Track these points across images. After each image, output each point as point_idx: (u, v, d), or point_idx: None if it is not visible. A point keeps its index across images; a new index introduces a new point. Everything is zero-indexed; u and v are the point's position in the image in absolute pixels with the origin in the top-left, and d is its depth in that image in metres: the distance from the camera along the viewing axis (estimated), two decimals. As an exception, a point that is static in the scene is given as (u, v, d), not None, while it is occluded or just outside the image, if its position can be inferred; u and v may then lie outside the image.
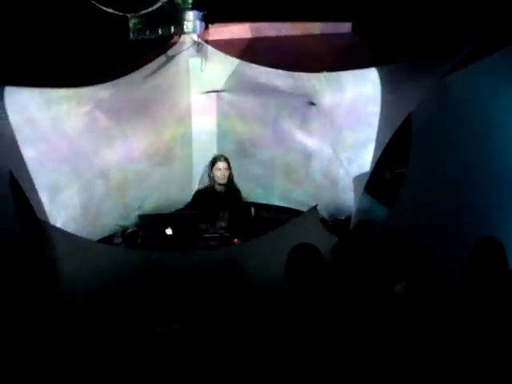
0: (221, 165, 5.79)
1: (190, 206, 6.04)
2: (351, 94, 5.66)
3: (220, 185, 5.83)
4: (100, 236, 5.71)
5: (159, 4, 3.55)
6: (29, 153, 4.95)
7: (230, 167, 5.84)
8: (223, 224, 5.71)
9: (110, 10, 3.52)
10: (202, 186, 6.11)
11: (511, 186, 4.67)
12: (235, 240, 5.18)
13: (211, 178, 5.88)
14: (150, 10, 3.55)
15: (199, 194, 5.99)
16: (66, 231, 4.74)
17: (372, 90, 5.42)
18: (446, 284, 3.11)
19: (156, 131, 6.14)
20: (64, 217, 5.39)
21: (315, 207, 4.68)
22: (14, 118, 4.74)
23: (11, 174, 4.63)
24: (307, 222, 4.70)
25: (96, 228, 5.75)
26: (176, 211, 6.20)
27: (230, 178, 5.86)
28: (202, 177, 6.39)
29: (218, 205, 5.80)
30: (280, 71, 5.44)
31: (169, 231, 5.03)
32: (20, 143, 4.82)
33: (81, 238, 4.82)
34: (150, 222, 5.28)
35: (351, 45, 4.92)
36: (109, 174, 5.96)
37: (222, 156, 5.89)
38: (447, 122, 4.92)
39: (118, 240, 5.50)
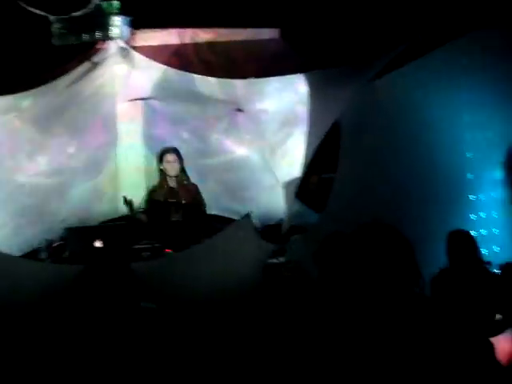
0: (170, 157, 5.52)
1: (144, 207, 5.73)
2: (278, 99, 5.71)
3: (171, 177, 5.57)
4: (24, 251, 5.44)
5: (86, 9, 3.38)
6: None
7: (180, 159, 5.58)
8: (178, 218, 5.50)
9: (32, 9, 3.33)
10: (153, 184, 5.78)
11: (443, 184, 4.81)
12: (167, 250, 5.06)
13: (161, 173, 5.61)
14: (75, 14, 3.38)
15: (151, 192, 5.70)
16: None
17: (299, 95, 5.51)
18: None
19: (79, 140, 5.94)
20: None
21: (248, 215, 4.64)
22: None
23: None
24: (242, 229, 4.67)
25: (19, 242, 5.50)
26: (103, 222, 6.00)
27: (182, 171, 5.62)
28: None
29: (172, 199, 5.57)
30: (207, 78, 5.42)
31: (98, 244, 4.86)
32: None
33: (1, 253, 4.58)
34: (78, 234, 5.07)
35: (279, 51, 4.93)
36: (30, 186, 5.72)
37: (171, 148, 5.60)
38: (375, 126, 5.04)
39: (44, 255, 5.25)
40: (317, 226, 5.45)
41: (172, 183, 5.61)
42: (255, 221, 5.62)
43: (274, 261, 5.05)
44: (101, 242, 4.84)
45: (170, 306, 4.05)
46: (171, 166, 5.54)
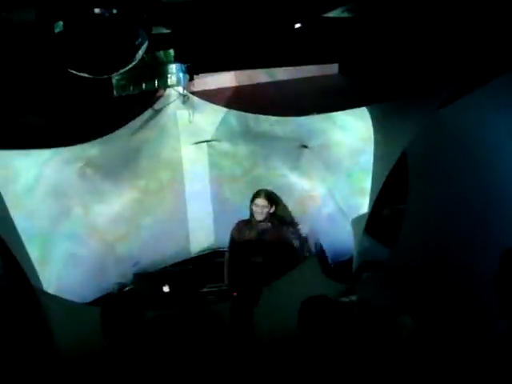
0: (259, 201, 5.39)
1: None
2: (343, 134, 5.62)
3: (259, 222, 5.46)
4: (98, 295, 5.54)
5: (128, 66, 3.45)
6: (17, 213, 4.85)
7: (272, 204, 5.41)
8: (258, 260, 5.35)
9: (84, 75, 3.42)
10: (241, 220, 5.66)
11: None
12: (234, 294, 5.00)
13: (251, 212, 5.49)
14: (130, 66, 3.45)
15: (238, 224, 5.61)
16: (57, 297, 4.61)
17: (363, 129, 5.40)
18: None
19: (148, 185, 6.05)
20: (57, 280, 5.26)
21: (312, 256, 4.54)
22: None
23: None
24: (308, 270, 4.57)
25: (93, 287, 5.60)
26: (174, 265, 6.04)
27: (273, 215, 5.44)
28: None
29: (256, 239, 5.43)
30: (268, 117, 5.40)
31: (166, 288, 4.89)
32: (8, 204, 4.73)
33: (73, 302, 4.68)
34: (146, 279, 5.14)
35: (339, 85, 4.84)
36: (101, 232, 5.86)
37: (263, 191, 5.45)
38: (444, 155, 4.84)
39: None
40: (388, 261, 5.29)
41: (261, 226, 5.46)
42: (327, 257, 5.55)
43: (346, 300, 4.93)
44: (168, 287, 4.88)
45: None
46: (260, 210, 5.39)
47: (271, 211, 5.40)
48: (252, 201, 5.45)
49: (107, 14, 3.20)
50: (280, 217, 5.47)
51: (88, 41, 3.26)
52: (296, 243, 5.41)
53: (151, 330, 4.00)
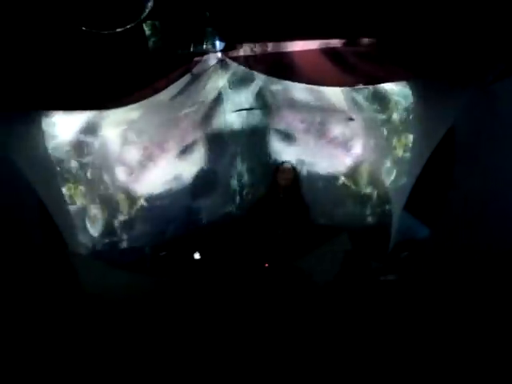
0: (285, 168, 5.64)
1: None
2: (385, 107, 5.43)
3: (283, 188, 5.61)
4: (131, 258, 5.61)
5: (146, 13, 3.45)
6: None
7: (296, 174, 5.68)
8: (281, 231, 5.47)
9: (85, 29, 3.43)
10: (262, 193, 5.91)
11: None
12: (266, 264, 4.97)
13: (273, 182, 5.66)
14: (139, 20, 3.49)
15: (259, 200, 5.81)
16: (90, 259, 4.70)
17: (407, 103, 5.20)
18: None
19: (188, 151, 6.02)
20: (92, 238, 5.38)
21: (345, 234, 4.44)
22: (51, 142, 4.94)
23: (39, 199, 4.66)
24: (339, 247, 4.49)
25: (126, 250, 5.70)
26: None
27: (295, 184, 5.65)
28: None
29: (277, 210, 5.58)
30: (310, 86, 5.25)
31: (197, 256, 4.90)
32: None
33: (106, 265, 4.76)
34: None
35: (382, 59, 4.62)
36: (143, 196, 5.91)
37: (288, 161, 5.78)
38: (492, 133, 4.62)
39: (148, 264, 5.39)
40: (428, 242, 5.13)
41: (281, 195, 5.59)
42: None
43: (385, 278, 4.83)
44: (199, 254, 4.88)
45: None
46: (285, 176, 5.57)
47: (293, 181, 5.59)
48: (277, 170, 5.63)
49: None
50: (299, 188, 5.64)
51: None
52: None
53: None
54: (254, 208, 5.73)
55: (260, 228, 5.47)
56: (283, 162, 5.74)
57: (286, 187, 5.58)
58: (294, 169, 5.67)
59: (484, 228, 4.62)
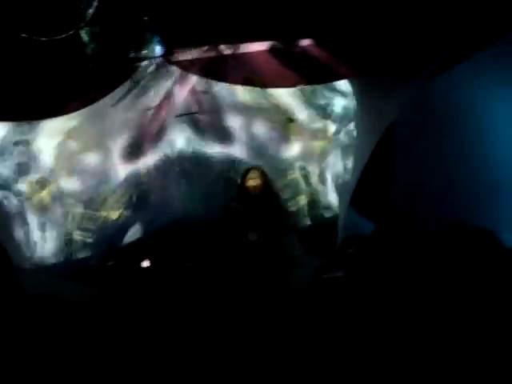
0: (253, 176, 5.47)
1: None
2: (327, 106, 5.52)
3: (252, 196, 5.45)
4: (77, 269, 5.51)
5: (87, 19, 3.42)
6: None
7: (263, 178, 5.49)
8: (253, 238, 5.33)
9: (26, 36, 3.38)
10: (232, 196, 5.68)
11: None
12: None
13: (241, 188, 5.53)
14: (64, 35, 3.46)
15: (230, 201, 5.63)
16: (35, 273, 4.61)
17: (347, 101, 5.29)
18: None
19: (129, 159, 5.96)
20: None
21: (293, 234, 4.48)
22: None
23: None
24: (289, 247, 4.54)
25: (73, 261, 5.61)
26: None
27: (267, 188, 5.49)
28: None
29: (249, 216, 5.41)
30: (251, 88, 5.28)
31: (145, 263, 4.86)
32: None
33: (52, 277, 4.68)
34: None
35: (320, 58, 4.69)
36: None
37: (255, 167, 5.58)
38: (432, 128, 4.73)
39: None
40: (373, 237, 5.21)
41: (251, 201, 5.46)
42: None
43: (333, 275, 4.88)
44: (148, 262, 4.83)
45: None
46: (254, 183, 5.43)
47: (262, 186, 5.43)
48: (244, 176, 5.47)
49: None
50: (270, 191, 5.51)
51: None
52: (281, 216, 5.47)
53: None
54: (225, 215, 5.56)
55: (232, 234, 5.37)
56: (250, 168, 5.57)
57: (255, 194, 5.45)
58: (262, 173, 5.50)
59: (420, 219, 4.72)
